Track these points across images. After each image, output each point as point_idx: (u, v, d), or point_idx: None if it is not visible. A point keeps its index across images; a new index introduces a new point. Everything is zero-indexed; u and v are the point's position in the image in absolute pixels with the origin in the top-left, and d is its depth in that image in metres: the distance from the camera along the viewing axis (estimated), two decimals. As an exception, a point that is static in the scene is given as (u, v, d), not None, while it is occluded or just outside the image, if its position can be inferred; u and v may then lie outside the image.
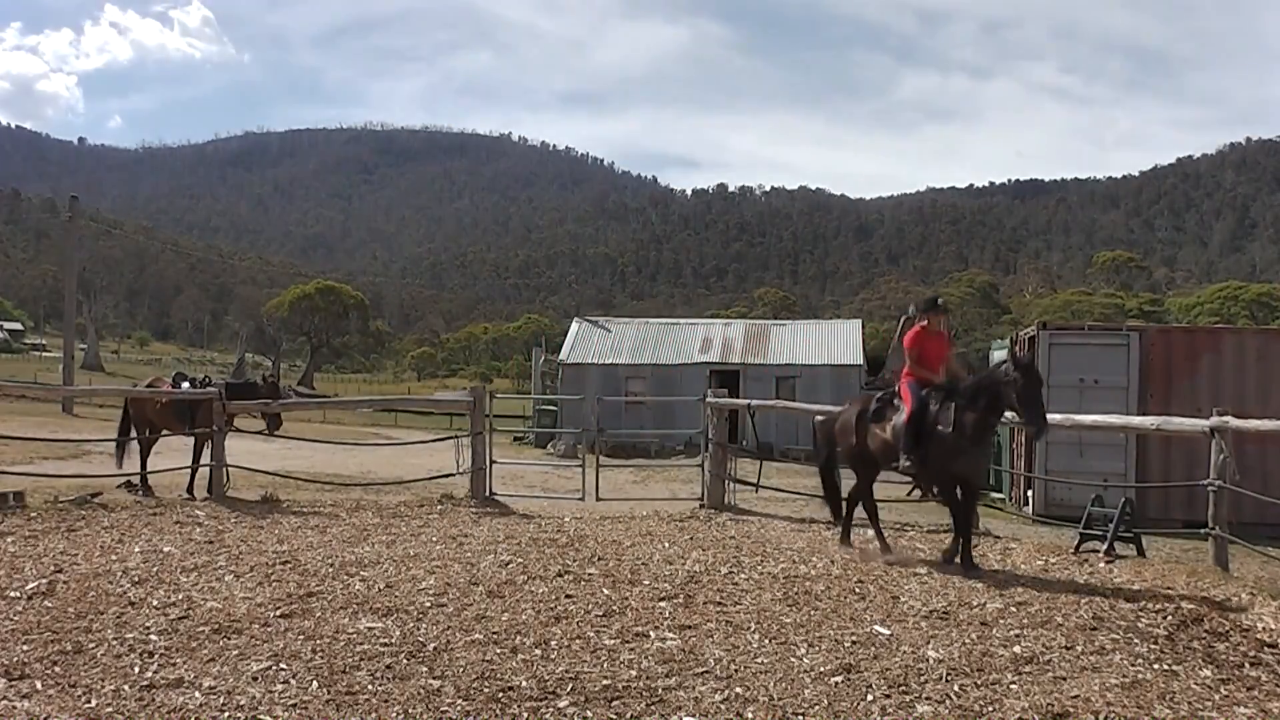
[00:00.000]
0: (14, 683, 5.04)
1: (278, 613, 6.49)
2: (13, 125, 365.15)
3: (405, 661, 5.52)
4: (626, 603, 6.99)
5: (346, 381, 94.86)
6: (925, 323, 9.04)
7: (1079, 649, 6.04)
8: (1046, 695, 5.13)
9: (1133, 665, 5.73)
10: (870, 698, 5.09)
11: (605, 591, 7.34)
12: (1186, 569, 8.75)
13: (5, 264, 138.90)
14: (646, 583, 7.67)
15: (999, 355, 21.89)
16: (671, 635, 6.17)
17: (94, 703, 4.79)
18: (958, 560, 8.45)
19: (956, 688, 5.24)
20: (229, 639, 5.88)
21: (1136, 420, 11.68)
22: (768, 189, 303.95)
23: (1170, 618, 6.89)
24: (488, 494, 12.45)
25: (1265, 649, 6.17)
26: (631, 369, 32.77)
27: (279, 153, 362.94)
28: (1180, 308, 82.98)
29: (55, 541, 8.88)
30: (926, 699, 5.08)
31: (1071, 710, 4.92)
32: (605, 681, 5.24)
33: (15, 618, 6.24)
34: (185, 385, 12.96)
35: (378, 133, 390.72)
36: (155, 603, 6.71)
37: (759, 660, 5.69)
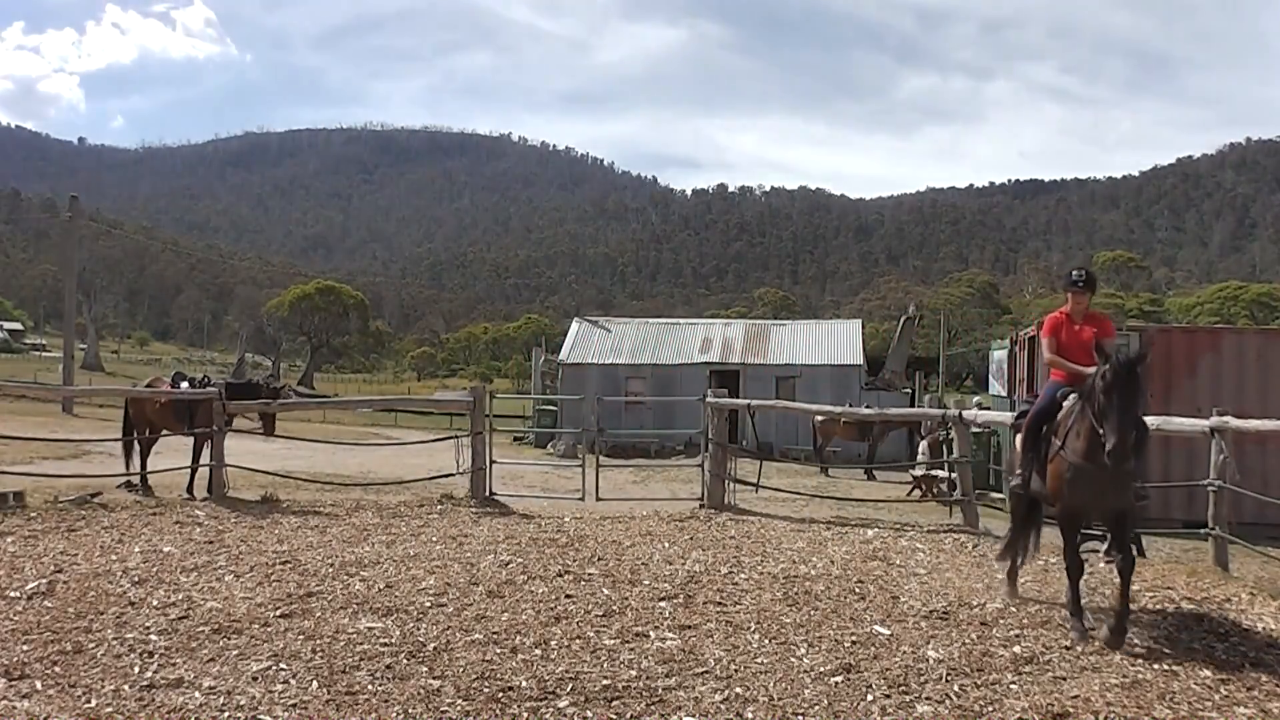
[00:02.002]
0: (14, 683, 5.04)
1: (278, 613, 6.49)
2: (13, 125, 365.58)
3: (405, 661, 5.52)
4: (626, 603, 6.99)
5: (346, 381, 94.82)
6: (1069, 305, 7.15)
7: (1079, 649, 6.04)
8: (1046, 695, 5.13)
9: (1133, 665, 5.73)
10: (870, 698, 5.09)
11: (605, 591, 7.35)
12: (1186, 569, 8.75)
13: (5, 264, 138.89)
14: (646, 583, 7.67)
15: (999, 355, 21.91)
16: (671, 635, 6.17)
17: (94, 703, 4.79)
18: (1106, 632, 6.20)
19: (956, 688, 5.24)
20: (229, 639, 5.88)
21: (1136, 420, 11.65)
22: (768, 189, 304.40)
23: (1170, 618, 6.89)
24: (488, 494, 12.45)
25: (1265, 649, 6.17)
26: (631, 369, 32.76)
27: (279, 153, 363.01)
28: (1180, 308, 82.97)
29: (55, 541, 8.87)
30: (926, 699, 5.08)
31: (1071, 710, 4.92)
32: (605, 681, 5.24)
33: (15, 618, 6.24)
34: (185, 385, 12.96)
35: (378, 133, 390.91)
36: (155, 603, 6.71)
37: (759, 660, 5.69)
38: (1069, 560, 6.52)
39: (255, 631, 6.05)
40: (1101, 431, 6.01)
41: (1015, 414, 7.61)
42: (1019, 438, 7.21)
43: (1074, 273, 7.26)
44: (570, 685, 5.18)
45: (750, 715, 4.84)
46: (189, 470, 12.49)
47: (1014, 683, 5.35)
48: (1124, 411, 5.91)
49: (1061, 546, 6.75)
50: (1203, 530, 9.35)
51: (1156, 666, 5.72)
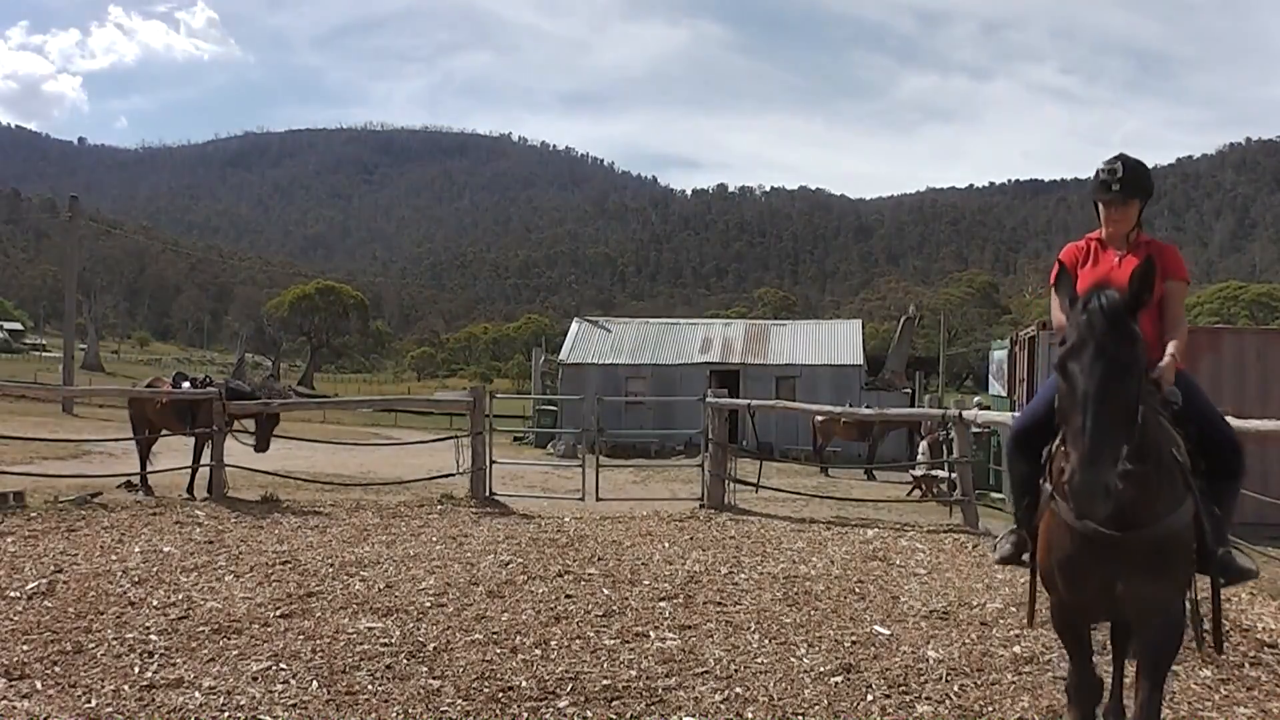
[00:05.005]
0: (14, 683, 5.03)
1: (278, 613, 6.49)
2: (13, 125, 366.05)
3: (405, 661, 5.52)
4: (626, 603, 6.99)
5: (346, 381, 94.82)
6: (1101, 226, 4.31)
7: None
8: (1047, 695, 5.13)
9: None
10: (870, 698, 5.09)
11: (605, 591, 7.34)
12: (1186, 569, 8.75)
13: (5, 264, 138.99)
14: (646, 583, 7.66)
15: (999, 355, 21.88)
16: (671, 635, 6.17)
17: (94, 703, 4.78)
18: None
19: (956, 688, 5.23)
20: (229, 639, 5.88)
21: (1136, 420, 11.63)
22: (768, 189, 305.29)
23: (1170, 618, 6.88)
24: (488, 494, 12.45)
25: (1265, 649, 6.17)
26: (631, 369, 32.78)
27: (279, 153, 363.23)
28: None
29: (55, 541, 8.87)
30: (926, 699, 5.07)
31: (1071, 710, 4.91)
32: (605, 681, 5.24)
33: (15, 618, 6.23)
34: (185, 385, 12.95)
35: (378, 133, 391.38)
36: (155, 603, 6.71)
37: (759, 660, 5.69)
38: (1073, 691, 4.00)
39: (255, 631, 6.05)
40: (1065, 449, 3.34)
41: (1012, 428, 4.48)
42: (1006, 468, 4.65)
43: (1104, 169, 4.18)
44: (570, 685, 5.18)
45: (750, 715, 4.84)
46: (189, 470, 12.49)
47: (1014, 683, 5.34)
48: (1096, 401, 3.14)
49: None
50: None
51: (1156, 666, 5.72)
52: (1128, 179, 4.18)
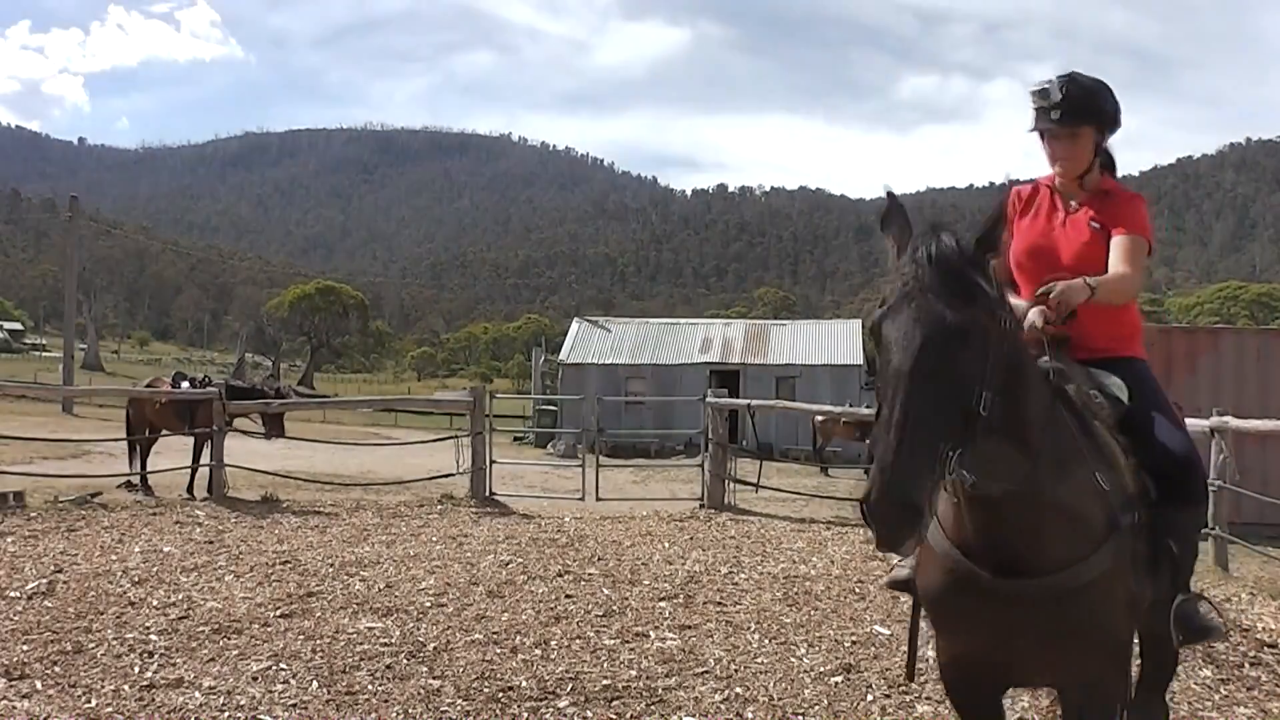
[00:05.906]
0: (14, 683, 5.03)
1: (278, 613, 6.49)
2: (13, 125, 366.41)
3: (405, 661, 5.52)
4: (626, 603, 6.99)
5: (346, 381, 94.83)
6: (1057, 166, 3.31)
7: None
8: (1047, 694, 5.13)
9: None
10: (870, 698, 5.08)
11: (605, 591, 7.34)
12: (1186, 569, 8.73)
13: (5, 264, 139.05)
14: (646, 583, 7.66)
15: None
16: (671, 635, 6.17)
17: (94, 703, 4.78)
18: None
19: (956, 688, 5.23)
20: (229, 639, 5.88)
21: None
22: (768, 189, 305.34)
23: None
24: (488, 494, 12.45)
25: (1265, 649, 6.17)
26: (631, 369, 32.82)
27: (279, 153, 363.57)
28: (1180, 308, 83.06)
29: (55, 541, 8.87)
30: (926, 699, 5.07)
31: (1071, 710, 4.91)
32: (605, 681, 5.24)
33: (15, 618, 6.23)
34: (185, 385, 12.96)
35: (378, 133, 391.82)
36: (155, 603, 6.71)
37: (759, 660, 5.69)
38: None
39: (255, 631, 6.05)
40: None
41: None
42: None
43: (1035, 91, 3.22)
44: (570, 685, 5.18)
45: (750, 715, 4.84)
46: (189, 470, 12.49)
47: (1014, 683, 5.34)
48: (910, 381, 2.19)
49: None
50: (1203, 530, 9.36)
51: (1156, 666, 5.71)
52: (1071, 101, 3.14)
